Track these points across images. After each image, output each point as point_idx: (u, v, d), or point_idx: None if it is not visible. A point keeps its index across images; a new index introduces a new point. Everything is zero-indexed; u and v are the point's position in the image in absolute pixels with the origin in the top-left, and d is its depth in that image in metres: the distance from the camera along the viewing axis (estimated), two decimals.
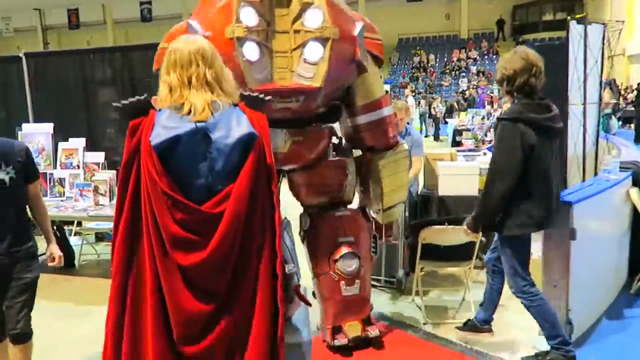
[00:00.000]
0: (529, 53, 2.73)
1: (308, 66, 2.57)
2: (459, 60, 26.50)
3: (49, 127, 5.01)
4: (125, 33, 29.85)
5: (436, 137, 16.56)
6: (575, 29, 4.36)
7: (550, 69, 2.84)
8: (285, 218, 2.73)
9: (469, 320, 3.30)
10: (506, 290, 2.97)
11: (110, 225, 2.62)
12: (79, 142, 4.91)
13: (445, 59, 27.21)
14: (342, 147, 3.28)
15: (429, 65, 27.10)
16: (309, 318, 2.75)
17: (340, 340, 3.04)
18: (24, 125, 5.17)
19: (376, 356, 3.09)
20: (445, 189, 4.41)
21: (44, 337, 2.84)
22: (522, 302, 2.81)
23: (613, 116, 11.65)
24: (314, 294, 3.22)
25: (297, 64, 2.58)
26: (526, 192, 2.68)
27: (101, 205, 4.47)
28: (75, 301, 4.11)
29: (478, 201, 2.83)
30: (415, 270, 3.60)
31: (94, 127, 5.42)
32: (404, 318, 3.59)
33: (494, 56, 24.95)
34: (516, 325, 3.33)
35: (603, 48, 4.86)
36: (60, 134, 5.05)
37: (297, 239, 3.06)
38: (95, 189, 4.54)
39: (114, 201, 2.91)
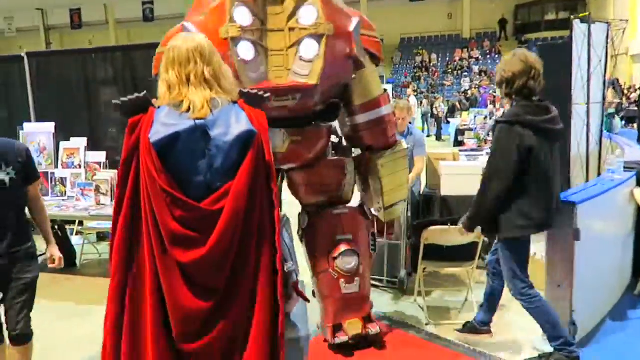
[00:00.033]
0: (528, 56, 2.73)
1: (304, 64, 2.56)
2: (461, 59, 26.45)
3: (50, 126, 5.01)
4: (128, 33, 29.89)
5: (438, 137, 16.55)
6: (579, 28, 4.33)
7: (553, 68, 2.83)
8: (285, 215, 2.73)
9: (468, 322, 3.29)
10: (507, 291, 2.96)
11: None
12: (80, 142, 4.91)
13: (448, 59, 27.15)
14: (342, 146, 3.27)
15: (431, 64, 27.06)
16: (307, 314, 2.75)
17: (341, 338, 3.02)
18: (26, 125, 5.18)
19: (378, 357, 3.07)
20: (447, 189, 4.40)
21: (44, 337, 2.84)
22: (522, 305, 2.81)
23: (616, 116, 11.62)
24: (313, 293, 3.21)
25: (293, 62, 2.57)
26: (525, 194, 2.68)
27: (102, 204, 4.47)
28: (76, 300, 4.11)
29: (473, 201, 2.83)
30: (417, 271, 3.58)
31: (96, 127, 5.44)
32: (406, 318, 3.58)
33: (497, 56, 24.89)
34: (518, 326, 3.31)
35: (607, 47, 4.84)
36: (62, 134, 5.05)
37: (295, 237, 3.05)
38: (97, 189, 4.54)
39: None
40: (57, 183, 4.85)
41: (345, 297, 3.06)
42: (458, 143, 11.36)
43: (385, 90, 3.24)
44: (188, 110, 1.73)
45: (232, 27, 2.44)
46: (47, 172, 4.82)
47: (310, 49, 2.55)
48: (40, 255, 2.74)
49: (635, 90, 15.95)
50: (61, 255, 2.66)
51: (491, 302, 3.17)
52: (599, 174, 4.55)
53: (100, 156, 4.85)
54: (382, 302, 3.81)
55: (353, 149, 3.32)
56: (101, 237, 5.53)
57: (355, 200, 3.33)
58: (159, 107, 1.78)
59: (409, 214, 4.13)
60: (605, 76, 4.96)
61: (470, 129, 11.06)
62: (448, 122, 16.79)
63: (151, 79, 2.65)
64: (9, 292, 2.46)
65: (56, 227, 4.83)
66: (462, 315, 3.58)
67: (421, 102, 18.58)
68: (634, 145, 5.98)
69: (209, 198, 1.74)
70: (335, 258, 3.03)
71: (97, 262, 5.12)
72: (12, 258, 2.45)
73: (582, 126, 4.52)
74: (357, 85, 2.95)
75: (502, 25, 27.52)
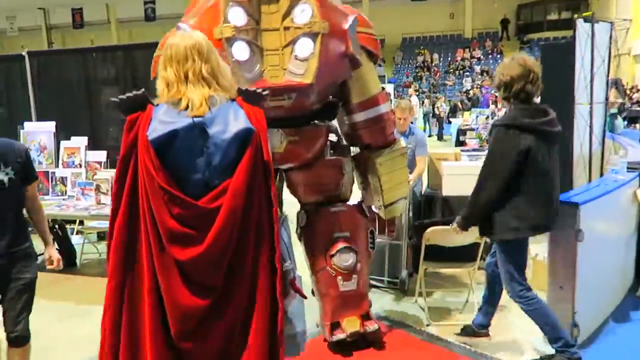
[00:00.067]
0: (526, 59, 2.74)
1: (299, 63, 2.55)
2: (463, 59, 26.42)
3: (51, 125, 5.01)
4: (129, 32, 29.91)
5: (440, 137, 16.52)
6: (582, 27, 4.31)
7: (556, 68, 2.81)
8: (283, 214, 2.72)
9: (466, 326, 3.27)
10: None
11: None
12: (81, 141, 4.91)
13: (449, 59, 27.13)
14: (340, 145, 3.26)
15: (433, 64, 27.04)
16: (304, 312, 2.74)
17: (338, 336, 3.01)
18: (27, 124, 5.18)
19: (378, 357, 3.06)
20: (449, 189, 4.38)
21: (44, 337, 2.84)
22: (520, 307, 2.80)
23: (619, 116, 11.58)
24: (313, 292, 3.19)
25: (289, 61, 2.56)
26: (522, 196, 2.67)
27: (103, 204, 4.46)
28: (76, 300, 4.10)
29: (467, 201, 2.82)
30: (418, 271, 3.57)
31: (97, 126, 5.43)
32: (406, 319, 3.56)
33: (498, 56, 24.86)
34: (518, 327, 3.29)
35: (610, 47, 4.81)
36: (63, 133, 5.05)
37: (294, 237, 3.03)
38: (97, 188, 4.53)
39: None
40: (58, 182, 4.84)
41: (343, 295, 3.04)
42: (460, 143, 11.34)
43: (383, 88, 3.23)
44: (186, 108, 1.72)
45: (226, 28, 2.44)
46: (48, 172, 4.82)
47: (305, 47, 2.54)
48: (40, 255, 2.73)
49: (638, 90, 15.90)
50: (59, 257, 2.64)
51: (490, 305, 3.16)
52: (602, 175, 4.52)
53: (101, 155, 4.85)
54: (383, 302, 3.80)
55: (352, 148, 3.30)
56: (101, 236, 5.51)
57: (354, 198, 3.32)
58: (157, 105, 1.77)
59: (411, 214, 4.11)
60: (608, 76, 4.93)
61: (472, 129, 11.03)
62: (450, 122, 16.77)
63: (151, 80, 2.64)
64: (8, 292, 2.45)
65: (56, 226, 4.83)
66: (463, 316, 3.56)
67: (423, 102, 18.54)
68: (636, 145, 5.93)
69: (207, 196, 1.73)
70: (332, 255, 3.02)
71: (98, 262, 5.11)
72: (12, 258, 2.44)
73: (585, 126, 4.49)
74: (355, 84, 2.94)
75: (504, 25, 27.46)
